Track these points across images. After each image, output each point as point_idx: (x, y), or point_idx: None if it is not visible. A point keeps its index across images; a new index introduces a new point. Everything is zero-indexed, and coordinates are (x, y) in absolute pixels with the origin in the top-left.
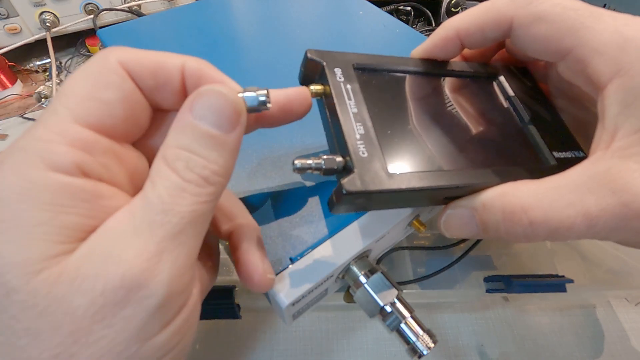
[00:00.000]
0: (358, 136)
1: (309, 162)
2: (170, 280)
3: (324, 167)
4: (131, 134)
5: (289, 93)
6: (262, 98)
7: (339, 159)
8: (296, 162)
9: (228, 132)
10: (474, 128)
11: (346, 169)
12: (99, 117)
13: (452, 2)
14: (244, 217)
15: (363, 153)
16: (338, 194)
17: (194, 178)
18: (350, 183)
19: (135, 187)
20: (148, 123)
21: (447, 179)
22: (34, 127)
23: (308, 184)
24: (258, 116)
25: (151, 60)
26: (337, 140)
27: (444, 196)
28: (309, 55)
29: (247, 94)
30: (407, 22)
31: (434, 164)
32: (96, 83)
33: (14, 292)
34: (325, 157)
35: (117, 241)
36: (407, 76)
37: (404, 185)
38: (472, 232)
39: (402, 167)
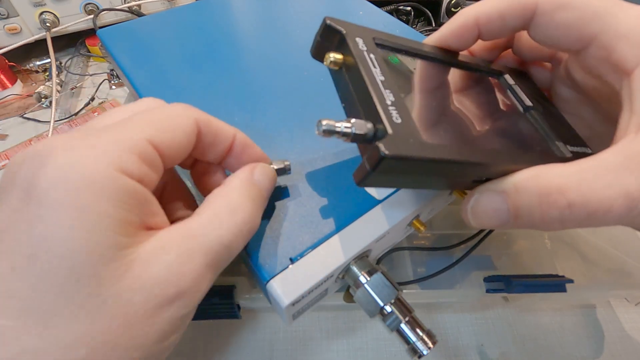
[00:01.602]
0: (389, 102)
1: (337, 125)
2: (199, 299)
3: (354, 131)
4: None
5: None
6: (289, 170)
7: (370, 124)
8: (323, 122)
9: (268, 195)
10: (495, 118)
11: (377, 137)
12: (166, 147)
13: (452, 2)
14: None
15: (397, 119)
16: (372, 159)
17: (252, 224)
18: (387, 145)
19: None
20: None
21: (480, 156)
22: (121, 125)
23: (308, 183)
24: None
25: (215, 123)
26: (364, 108)
27: (475, 177)
28: (328, 22)
29: (278, 167)
30: (407, 22)
31: (465, 139)
32: (175, 123)
33: (85, 277)
34: (354, 120)
35: (179, 255)
36: (426, 61)
37: (441, 155)
38: (502, 220)
39: (437, 138)
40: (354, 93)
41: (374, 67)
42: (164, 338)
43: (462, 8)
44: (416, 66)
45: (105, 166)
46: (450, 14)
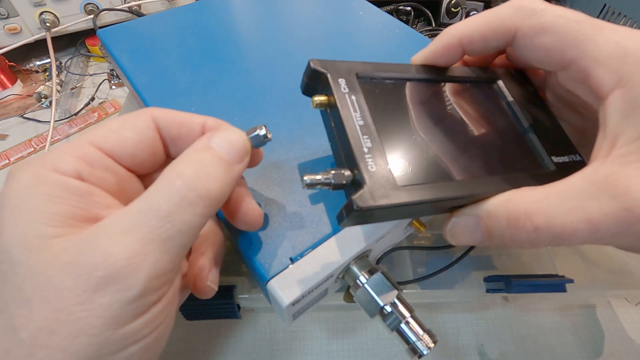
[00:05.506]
0: (366, 150)
1: (318, 177)
2: (147, 280)
3: (333, 182)
4: (137, 167)
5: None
6: (263, 132)
7: (347, 172)
8: (305, 178)
9: (235, 163)
10: (477, 135)
11: (355, 183)
12: (111, 145)
13: (452, 2)
14: (211, 227)
15: (372, 167)
16: (349, 209)
17: (199, 188)
18: (361, 199)
19: (124, 201)
20: (155, 167)
21: (454, 190)
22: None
23: None
24: None
25: (178, 115)
26: (344, 153)
27: (450, 206)
28: (312, 65)
29: (251, 134)
30: (407, 22)
31: (440, 174)
32: (124, 123)
33: (18, 265)
34: (333, 172)
35: (110, 236)
36: (410, 83)
37: (413, 198)
38: (477, 239)
39: (410, 179)
40: (336, 136)
41: (354, 111)
42: (115, 324)
43: (462, 8)
44: (405, 90)
45: (41, 170)
46: (450, 14)
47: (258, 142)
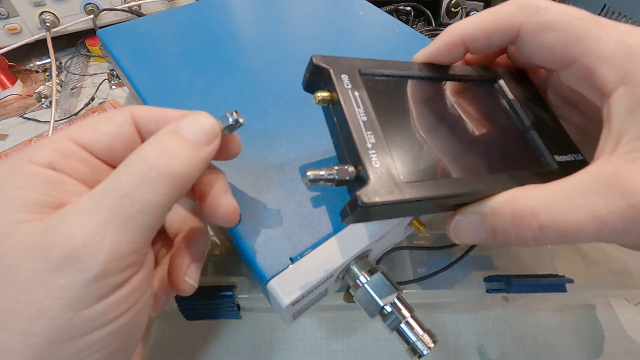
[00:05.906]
0: (370, 145)
1: (322, 173)
2: (108, 260)
3: (336, 177)
4: (115, 160)
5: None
6: (234, 117)
7: (351, 168)
8: (308, 173)
9: (203, 145)
10: (480, 133)
11: (359, 179)
12: (88, 138)
13: (452, 2)
14: (195, 222)
15: (376, 163)
16: (353, 205)
17: (160, 166)
18: (366, 195)
19: None
20: None
21: (459, 187)
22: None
23: None
24: None
25: (156, 110)
26: (347, 149)
27: (455, 203)
28: (314, 61)
29: (222, 117)
30: (407, 22)
31: (444, 171)
32: (103, 118)
33: None
34: (337, 167)
35: (70, 218)
36: (412, 81)
37: (418, 194)
38: (481, 238)
39: (415, 176)
40: (339, 132)
41: (358, 107)
42: (76, 306)
43: (462, 8)
44: (408, 87)
45: (17, 161)
46: (450, 14)
47: (229, 127)
